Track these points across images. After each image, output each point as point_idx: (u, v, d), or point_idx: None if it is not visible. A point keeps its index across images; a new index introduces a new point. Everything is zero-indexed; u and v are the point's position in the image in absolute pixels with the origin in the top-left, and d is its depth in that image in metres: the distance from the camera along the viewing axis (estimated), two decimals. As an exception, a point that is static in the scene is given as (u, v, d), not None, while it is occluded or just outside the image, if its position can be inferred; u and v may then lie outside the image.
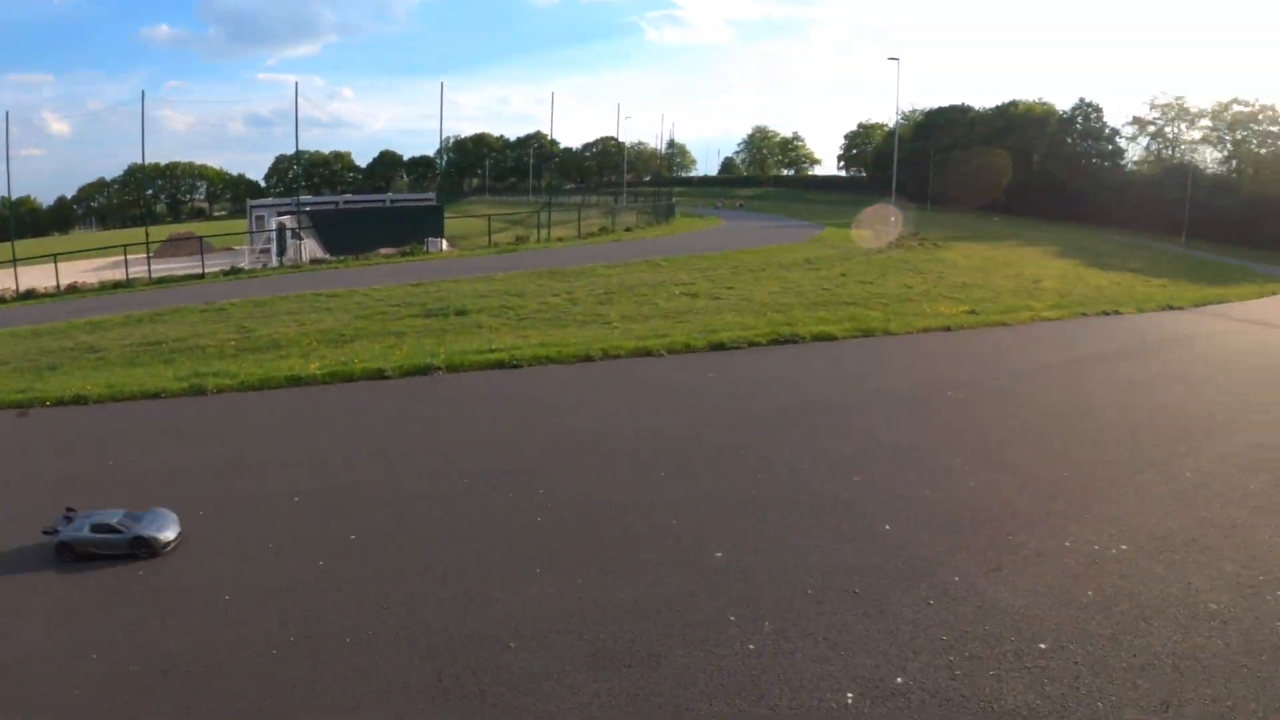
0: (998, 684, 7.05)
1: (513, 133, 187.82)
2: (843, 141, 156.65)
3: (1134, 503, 11.34)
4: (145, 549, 10.25)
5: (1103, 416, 15.68)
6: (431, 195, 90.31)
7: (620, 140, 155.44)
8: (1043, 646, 7.61)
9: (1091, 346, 22.26)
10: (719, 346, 19.40)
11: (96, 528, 10.27)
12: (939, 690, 6.90)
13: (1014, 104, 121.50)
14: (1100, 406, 16.34)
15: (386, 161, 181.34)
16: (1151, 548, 9.91)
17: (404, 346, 20.65)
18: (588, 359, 18.33)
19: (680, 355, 18.79)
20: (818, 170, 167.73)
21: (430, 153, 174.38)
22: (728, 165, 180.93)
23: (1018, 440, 13.77)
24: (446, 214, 61.35)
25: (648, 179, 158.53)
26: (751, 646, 7.50)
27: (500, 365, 17.90)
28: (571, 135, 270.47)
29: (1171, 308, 32.60)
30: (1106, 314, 28.34)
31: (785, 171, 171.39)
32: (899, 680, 7.04)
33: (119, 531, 10.24)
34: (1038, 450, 13.35)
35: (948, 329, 22.63)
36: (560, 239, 58.02)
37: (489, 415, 14.50)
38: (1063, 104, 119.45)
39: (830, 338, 20.73)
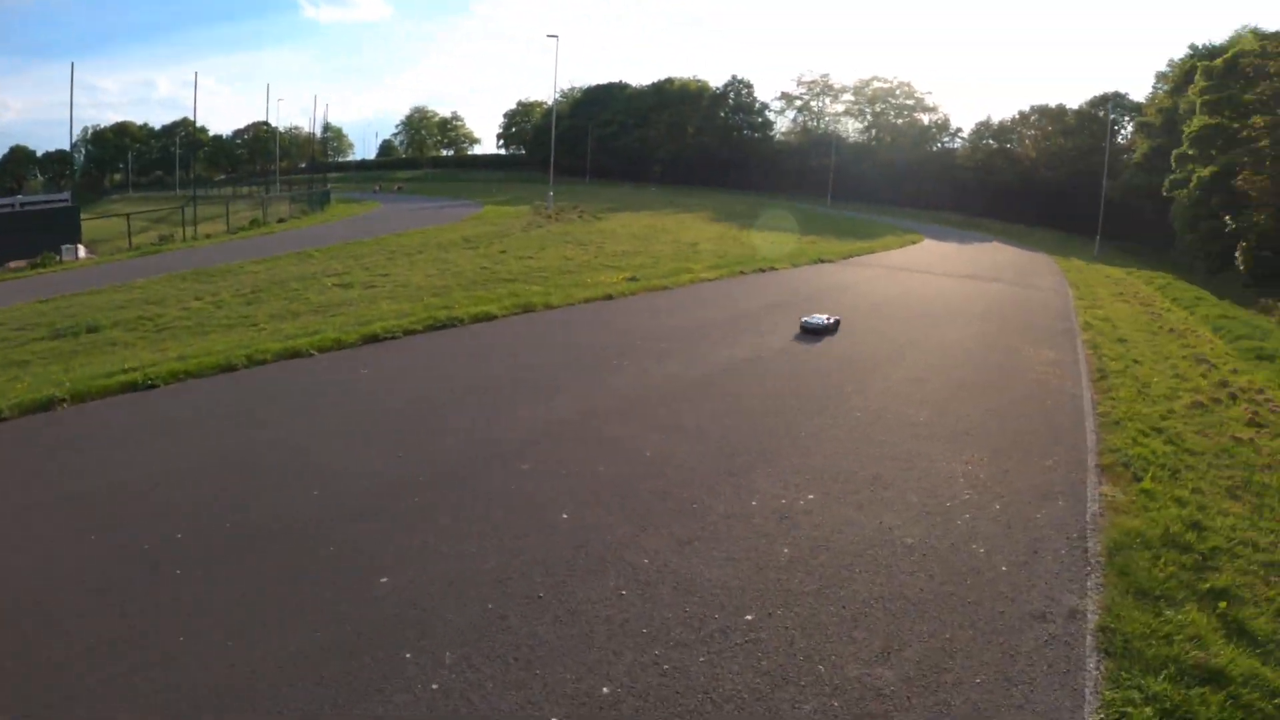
0: (711, 669, 6.28)
1: (159, 120, 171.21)
2: (502, 120, 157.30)
3: (812, 448, 11.14)
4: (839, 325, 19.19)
5: (768, 367, 15.71)
6: (66, 195, 79.21)
7: (272, 125, 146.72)
8: (750, 618, 6.93)
9: (751, 301, 22.74)
10: (373, 338, 17.49)
11: (829, 319, 18.85)
12: (650, 691, 6.00)
13: (670, 81, 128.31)
14: (764, 357, 16.37)
15: (18, 159, 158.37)
16: (838, 491, 9.64)
17: (27, 378, 16.99)
18: (230, 368, 15.88)
19: (332, 353, 16.79)
20: (478, 150, 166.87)
21: (68, 146, 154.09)
22: (387, 148, 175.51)
23: (689, 401, 13.27)
24: (85, 215, 53.70)
25: (303, 166, 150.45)
26: (435, 686, 6.21)
27: (134, 387, 14.88)
28: (223, 121, 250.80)
29: (823, 261, 34.59)
30: (763, 270, 29.46)
31: (445, 152, 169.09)
32: (605, 690, 6.05)
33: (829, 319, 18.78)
34: (710, 408, 12.90)
35: (609, 298, 22.11)
36: (209, 235, 52.78)
37: (113, 454, 11.88)
38: (716, 81, 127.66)
39: (490, 318, 19.36)
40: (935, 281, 31.52)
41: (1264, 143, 44.98)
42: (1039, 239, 74.60)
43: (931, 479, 10.13)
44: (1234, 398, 16.63)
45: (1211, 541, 8.67)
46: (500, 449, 11.05)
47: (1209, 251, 57.48)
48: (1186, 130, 58.66)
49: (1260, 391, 17.88)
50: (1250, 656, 6.63)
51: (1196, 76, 59.66)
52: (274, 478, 10.17)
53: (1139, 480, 10.42)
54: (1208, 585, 7.68)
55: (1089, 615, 7.11)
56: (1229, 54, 56.57)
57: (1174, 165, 61.11)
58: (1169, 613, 7.17)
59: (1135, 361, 19.12)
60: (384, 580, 7.72)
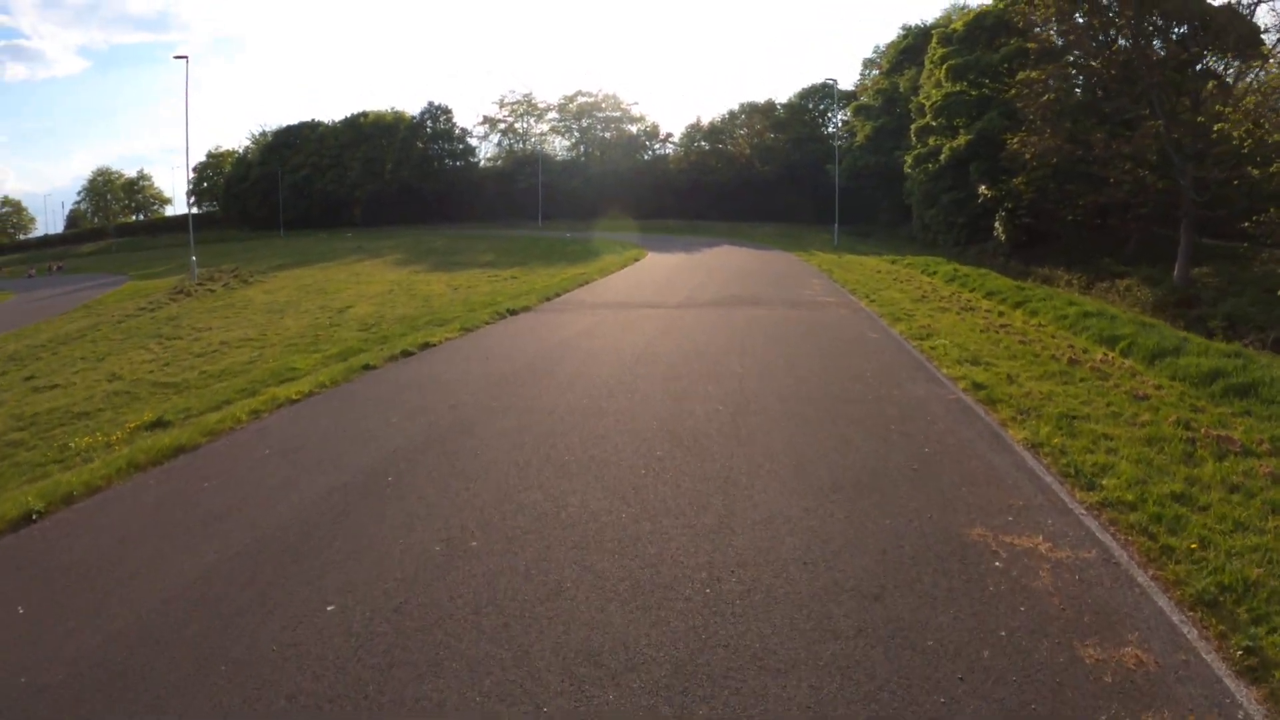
0: None
1: None
2: (192, 175, 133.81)
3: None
4: None
5: None
6: None
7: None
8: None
9: (321, 477, 8.74)
10: None
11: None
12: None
13: (364, 114, 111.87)
14: None
15: None
16: None
17: None
18: None
19: None
20: (170, 210, 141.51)
21: None
22: (75, 219, 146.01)
23: None
24: None
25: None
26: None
27: None
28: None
29: (514, 312, 21.87)
30: (408, 354, 16.25)
31: (136, 217, 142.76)
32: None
33: None
34: None
35: (31, 519, 7.87)
36: None
37: None
38: (413, 109, 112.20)
39: None
40: (680, 323, 19.69)
41: (1047, 96, 36.36)
42: (766, 235, 65.91)
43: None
44: None
45: None
46: None
47: (953, 224, 49.77)
48: (927, 103, 49.89)
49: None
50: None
51: (932, 45, 51.35)
52: None
53: None
54: None
55: None
56: (968, 17, 48.37)
57: (914, 140, 52.67)
58: None
59: (1186, 508, 7.71)
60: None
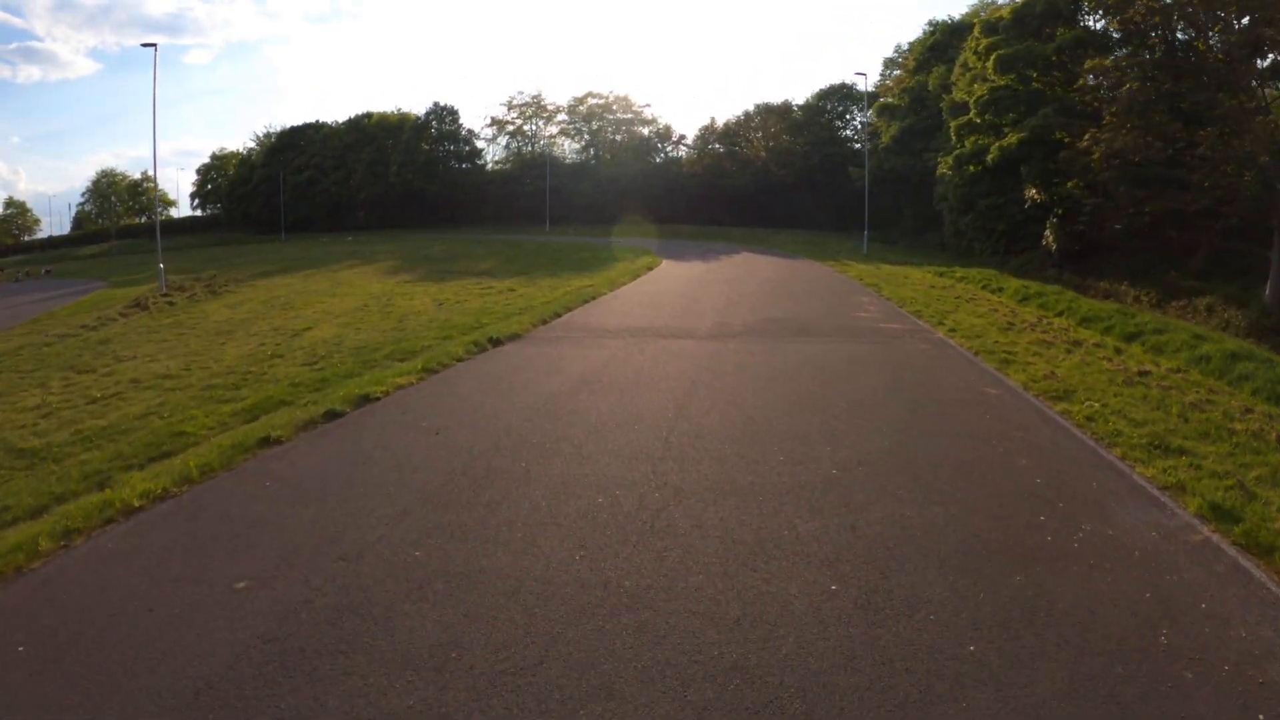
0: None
1: None
2: (195, 177, 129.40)
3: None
4: None
5: None
6: None
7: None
8: None
9: None
10: None
11: None
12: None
13: (368, 115, 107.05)
14: None
15: None
16: None
17: None
18: None
19: None
20: (175, 213, 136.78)
21: None
22: (81, 220, 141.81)
23: None
24: None
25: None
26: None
27: None
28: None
29: (498, 341, 16.91)
30: (336, 415, 11.15)
31: (141, 219, 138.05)
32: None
33: None
34: None
35: None
36: None
37: None
38: (419, 110, 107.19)
39: None
40: (716, 366, 14.96)
41: (1128, 85, 31.29)
42: (786, 242, 60.92)
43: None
44: None
45: None
46: None
47: (991, 231, 44.71)
48: (971, 98, 43.89)
49: None
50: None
51: (974, 35, 45.38)
52: None
53: None
54: None
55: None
56: (1017, 5, 41.98)
57: (954, 140, 46.96)
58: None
59: None
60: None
